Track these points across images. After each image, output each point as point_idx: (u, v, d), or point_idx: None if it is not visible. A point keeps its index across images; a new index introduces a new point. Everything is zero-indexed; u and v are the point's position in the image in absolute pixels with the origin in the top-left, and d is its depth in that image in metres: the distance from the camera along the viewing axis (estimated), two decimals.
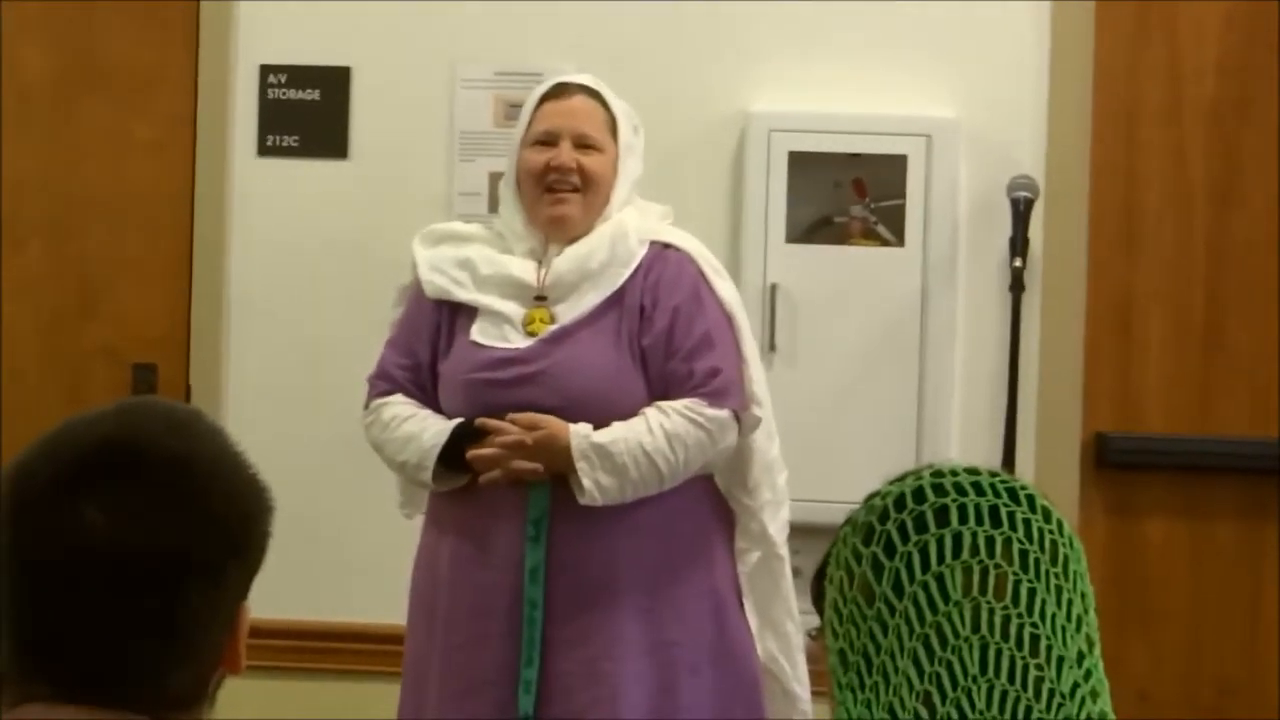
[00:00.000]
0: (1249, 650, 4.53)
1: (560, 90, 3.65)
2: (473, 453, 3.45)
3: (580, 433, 3.40)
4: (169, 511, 1.62)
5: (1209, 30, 4.57)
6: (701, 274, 3.56)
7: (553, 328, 3.51)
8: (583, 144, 3.58)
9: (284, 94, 4.63)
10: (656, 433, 3.42)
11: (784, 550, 3.63)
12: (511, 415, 3.42)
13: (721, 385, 3.47)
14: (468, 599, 3.49)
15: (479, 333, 3.54)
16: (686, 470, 3.45)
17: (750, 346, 3.57)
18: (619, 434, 3.42)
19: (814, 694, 3.63)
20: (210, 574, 1.64)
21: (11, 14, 4.67)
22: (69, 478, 1.62)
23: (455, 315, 3.59)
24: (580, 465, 3.38)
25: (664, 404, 3.46)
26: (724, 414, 3.46)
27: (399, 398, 3.61)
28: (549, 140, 3.59)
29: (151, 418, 1.68)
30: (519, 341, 3.51)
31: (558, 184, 3.55)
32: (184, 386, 4.62)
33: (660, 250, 3.58)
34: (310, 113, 4.62)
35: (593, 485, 3.39)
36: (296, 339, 4.61)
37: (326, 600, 4.57)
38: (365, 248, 4.53)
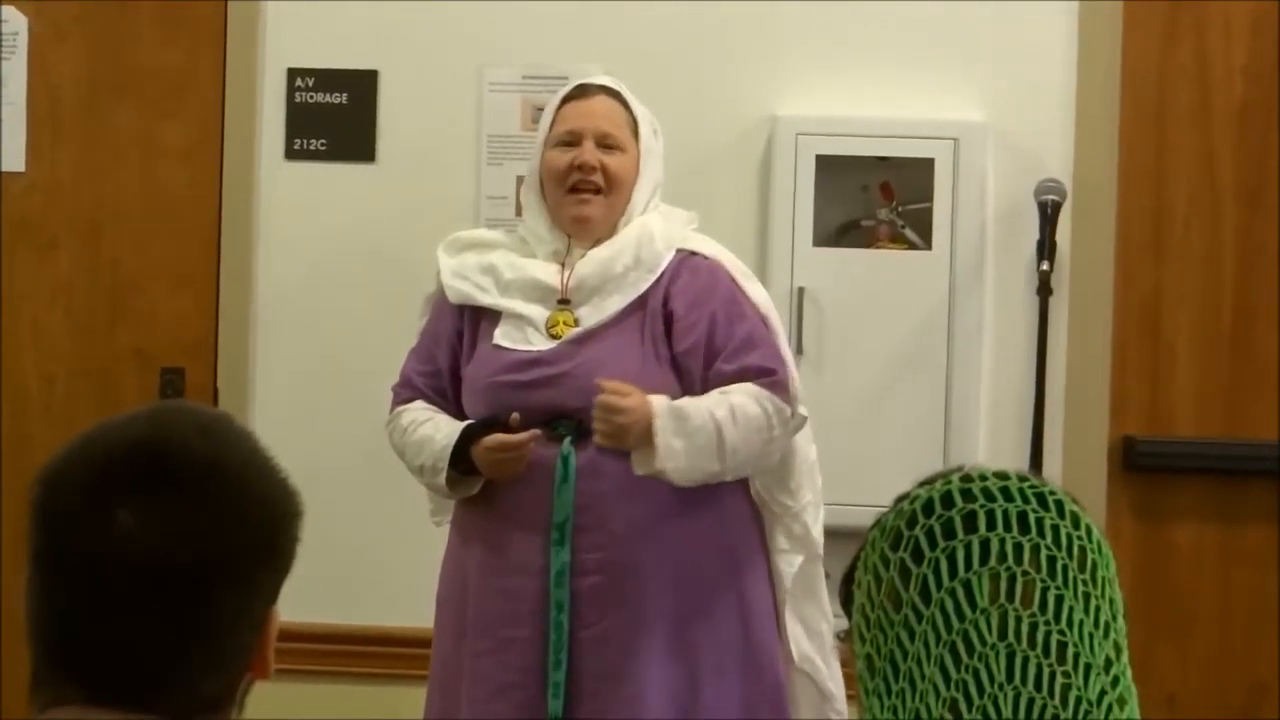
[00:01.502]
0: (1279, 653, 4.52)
1: (582, 91, 3.67)
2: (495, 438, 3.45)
3: (658, 397, 3.40)
4: (200, 515, 1.62)
5: (1237, 33, 4.55)
6: (734, 280, 3.56)
7: (576, 330, 3.52)
8: (605, 143, 3.59)
9: (311, 97, 4.63)
10: (723, 406, 3.42)
11: (822, 552, 3.63)
12: (601, 381, 3.39)
13: (776, 381, 3.47)
14: (494, 605, 3.50)
15: (502, 336, 3.55)
16: (746, 452, 3.43)
17: (786, 348, 3.58)
18: (690, 401, 3.43)
19: (847, 696, 3.64)
20: (241, 578, 1.65)
21: (42, 20, 4.69)
22: (101, 481, 1.62)
23: (479, 320, 3.60)
24: (658, 422, 3.35)
25: (725, 387, 3.45)
26: (781, 403, 3.46)
27: (419, 404, 3.63)
28: (572, 140, 3.60)
29: (183, 422, 1.68)
30: (541, 344, 3.52)
31: (581, 184, 3.56)
32: (212, 390, 4.63)
33: (687, 257, 3.58)
34: (337, 116, 4.62)
35: (665, 446, 3.35)
36: (323, 342, 4.61)
37: (354, 604, 4.57)
38: (392, 251, 4.53)
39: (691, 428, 3.38)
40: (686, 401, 3.42)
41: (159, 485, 1.62)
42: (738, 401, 3.43)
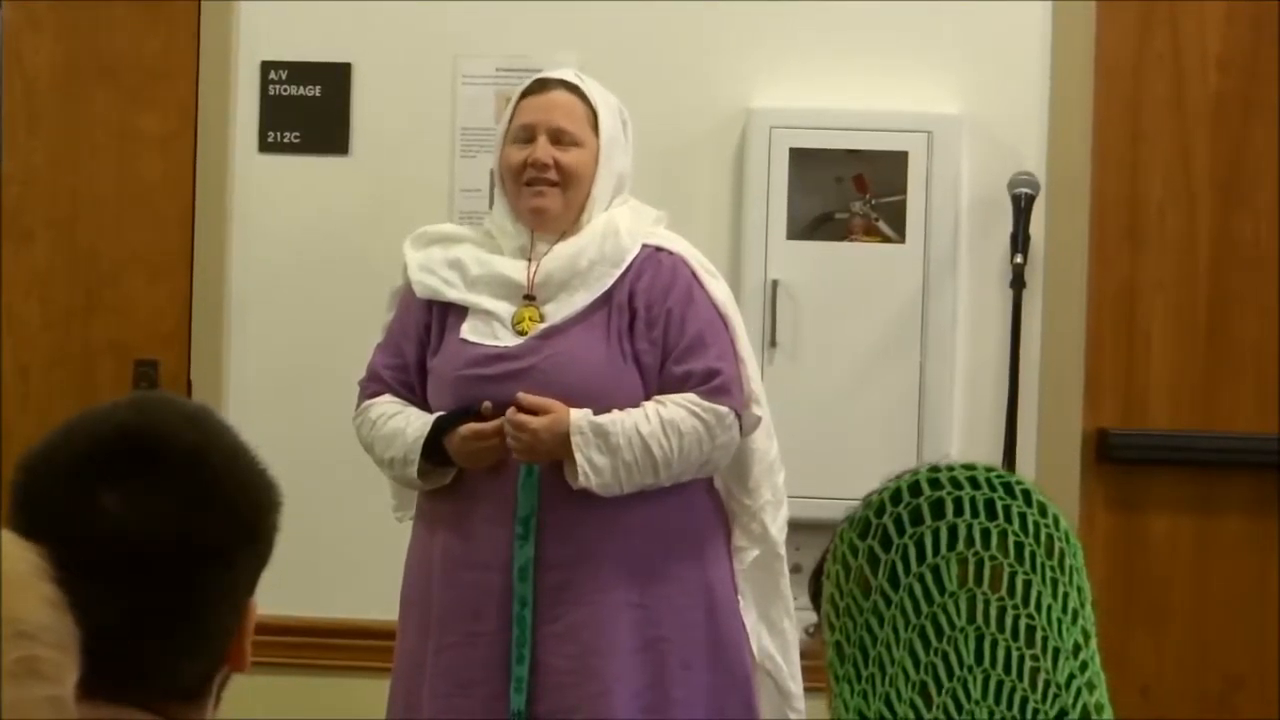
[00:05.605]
0: (1255, 645, 4.53)
1: (540, 86, 3.66)
2: (468, 427, 3.46)
3: (579, 412, 3.42)
4: (186, 500, 1.63)
5: (1211, 25, 4.56)
6: (694, 275, 3.57)
7: (542, 325, 3.52)
8: (560, 139, 3.58)
9: (285, 90, 4.63)
10: (652, 419, 3.43)
11: (783, 550, 3.64)
12: (520, 395, 3.42)
13: (720, 384, 3.48)
14: (458, 598, 3.50)
15: (469, 330, 3.55)
16: (684, 462, 3.45)
17: (745, 346, 3.58)
18: (616, 416, 3.44)
19: (808, 691, 3.64)
20: (224, 564, 1.66)
21: (17, 9, 4.68)
22: (85, 465, 1.63)
23: (446, 315, 3.61)
24: (575, 440, 3.39)
25: (663, 396, 3.47)
26: (722, 409, 3.46)
27: (387, 398, 3.63)
28: (527, 136, 3.60)
29: (168, 410, 1.70)
30: (508, 339, 3.53)
31: (536, 180, 3.56)
32: (185, 382, 4.62)
33: (652, 253, 3.58)
34: (311, 109, 4.62)
35: (585, 462, 3.39)
36: (297, 334, 4.61)
37: (325, 596, 4.57)
38: (366, 244, 4.53)
39: (615, 444, 3.40)
40: (611, 417, 3.43)
41: (145, 469, 1.63)
42: (669, 414, 3.44)
